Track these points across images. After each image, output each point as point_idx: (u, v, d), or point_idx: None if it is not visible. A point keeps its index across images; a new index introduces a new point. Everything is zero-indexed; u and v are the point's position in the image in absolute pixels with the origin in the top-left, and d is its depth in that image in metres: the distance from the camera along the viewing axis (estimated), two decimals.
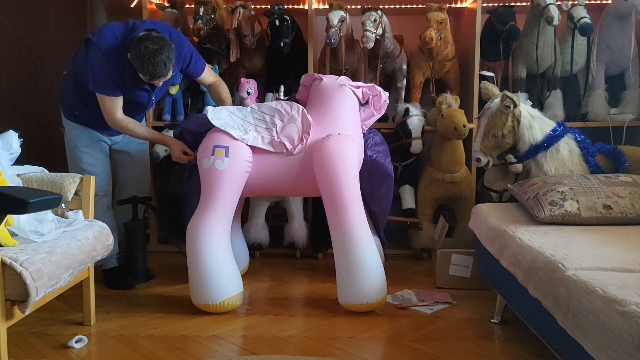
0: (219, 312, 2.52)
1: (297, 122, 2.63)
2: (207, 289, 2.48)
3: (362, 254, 2.49)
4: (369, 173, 2.89)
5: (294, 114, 2.65)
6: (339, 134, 2.61)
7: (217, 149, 2.54)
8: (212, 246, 2.49)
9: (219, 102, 2.96)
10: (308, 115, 2.64)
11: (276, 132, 2.63)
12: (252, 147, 2.59)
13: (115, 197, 3.05)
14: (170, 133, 3.29)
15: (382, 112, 2.94)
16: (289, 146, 2.60)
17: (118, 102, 2.65)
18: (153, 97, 2.81)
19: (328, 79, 2.81)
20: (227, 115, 2.64)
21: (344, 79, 2.82)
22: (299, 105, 2.68)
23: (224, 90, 2.97)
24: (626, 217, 2.27)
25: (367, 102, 2.87)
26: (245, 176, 2.59)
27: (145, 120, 3.44)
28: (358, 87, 2.81)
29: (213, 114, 2.61)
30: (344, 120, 2.71)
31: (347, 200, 2.52)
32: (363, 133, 2.89)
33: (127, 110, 2.71)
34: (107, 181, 2.90)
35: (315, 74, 2.89)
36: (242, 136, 2.58)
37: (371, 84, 2.86)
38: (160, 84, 2.62)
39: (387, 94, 2.89)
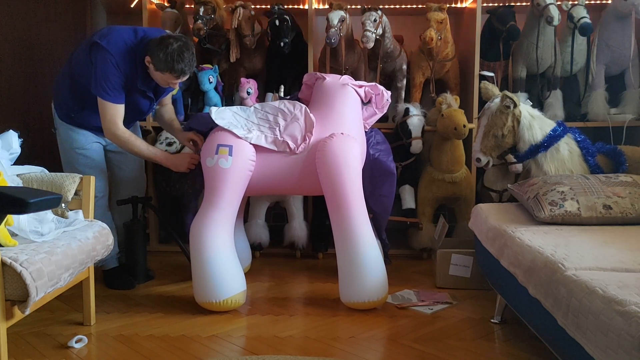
0: (222, 310, 2.52)
1: (300, 121, 2.64)
2: (211, 287, 2.48)
3: (364, 252, 2.50)
4: (370, 171, 2.89)
5: (297, 113, 2.65)
6: (342, 133, 2.62)
7: (220, 147, 2.54)
8: (216, 244, 2.49)
9: (169, 123, 3.00)
10: (311, 115, 2.64)
11: (279, 131, 2.63)
12: (255, 146, 2.59)
13: (112, 197, 3.03)
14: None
15: (384, 111, 2.95)
16: (292, 145, 2.60)
17: (121, 110, 2.64)
18: (154, 105, 2.83)
19: (331, 78, 2.81)
20: (231, 115, 2.65)
21: (346, 78, 2.82)
22: (302, 105, 2.69)
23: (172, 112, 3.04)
24: (626, 217, 2.27)
25: (369, 101, 2.87)
26: (249, 175, 2.60)
27: (146, 120, 3.44)
28: (360, 86, 2.81)
29: (217, 113, 2.62)
30: (347, 119, 2.71)
31: (349, 199, 2.53)
32: (365, 132, 2.89)
33: (125, 116, 2.69)
34: (105, 182, 2.88)
35: (317, 72, 2.89)
36: (246, 135, 2.58)
37: (373, 83, 2.86)
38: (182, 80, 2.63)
39: (389, 92, 2.90)
